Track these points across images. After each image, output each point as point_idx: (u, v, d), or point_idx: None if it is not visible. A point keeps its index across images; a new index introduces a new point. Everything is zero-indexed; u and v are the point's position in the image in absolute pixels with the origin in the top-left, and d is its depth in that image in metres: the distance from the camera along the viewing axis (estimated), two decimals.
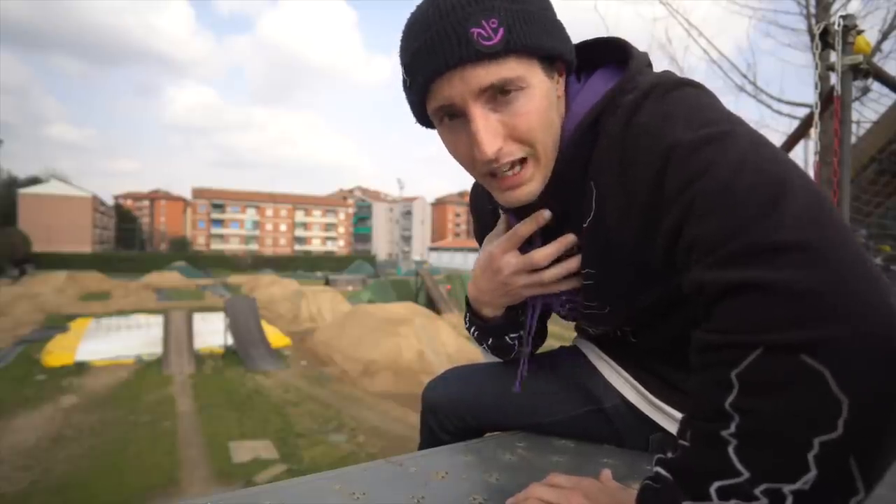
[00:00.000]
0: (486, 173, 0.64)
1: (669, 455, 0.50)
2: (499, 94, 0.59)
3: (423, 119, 0.68)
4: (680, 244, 0.52)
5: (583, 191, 0.67)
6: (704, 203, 0.49)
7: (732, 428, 0.42)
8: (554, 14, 0.63)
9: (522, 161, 0.63)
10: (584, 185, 0.66)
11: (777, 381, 0.41)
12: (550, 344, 1.02)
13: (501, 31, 0.57)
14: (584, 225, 0.68)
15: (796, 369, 0.40)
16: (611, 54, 0.70)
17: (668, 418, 0.83)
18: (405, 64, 0.63)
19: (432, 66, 0.58)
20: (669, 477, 0.48)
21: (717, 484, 0.43)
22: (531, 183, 0.65)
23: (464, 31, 0.56)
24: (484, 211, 0.88)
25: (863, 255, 0.42)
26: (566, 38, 0.65)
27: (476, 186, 0.88)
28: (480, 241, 0.94)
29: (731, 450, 0.42)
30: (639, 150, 0.57)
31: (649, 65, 0.67)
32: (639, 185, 0.58)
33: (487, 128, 0.59)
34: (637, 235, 0.60)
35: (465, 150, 0.64)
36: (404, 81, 0.65)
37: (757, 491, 0.41)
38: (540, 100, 0.61)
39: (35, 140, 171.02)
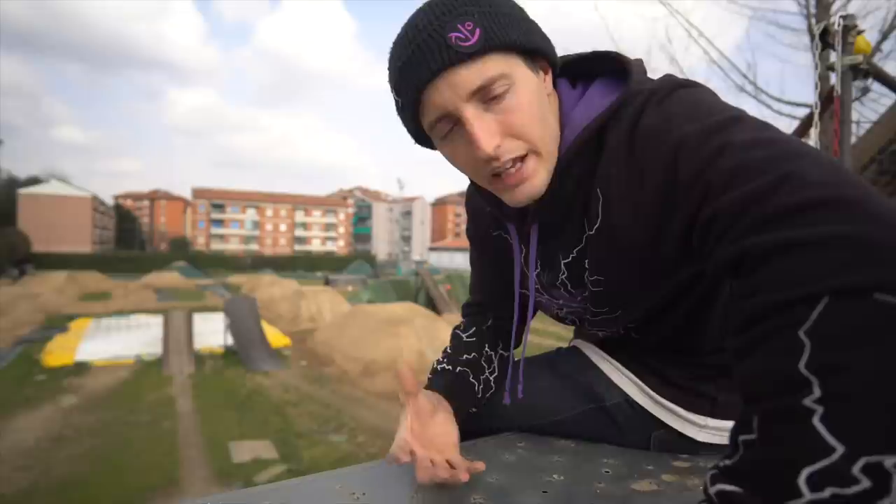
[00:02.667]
0: (490, 175, 0.65)
1: (726, 463, 0.42)
2: (488, 94, 0.60)
3: (421, 138, 0.69)
4: (699, 221, 0.52)
5: (585, 200, 0.68)
6: (723, 178, 0.49)
7: (816, 392, 0.37)
8: (528, 15, 0.65)
9: (523, 157, 0.63)
10: (586, 195, 0.67)
11: (855, 326, 0.37)
12: (550, 344, 1.02)
13: (478, 31, 0.58)
14: (591, 233, 0.68)
15: (873, 309, 0.36)
16: (607, 66, 0.71)
17: (671, 414, 0.83)
18: (394, 84, 0.64)
19: (418, 76, 0.60)
20: (737, 490, 0.40)
21: (806, 471, 0.36)
22: (536, 178, 0.65)
23: (442, 38, 0.58)
24: (481, 213, 0.88)
25: (891, 202, 0.42)
26: (544, 35, 0.66)
27: (472, 185, 0.88)
28: (472, 240, 0.95)
29: (816, 420, 0.36)
30: (646, 151, 0.59)
31: (645, 72, 0.68)
32: (649, 184, 0.59)
33: (483, 126, 0.60)
34: (650, 233, 0.61)
35: (465, 156, 0.64)
36: (396, 103, 0.66)
37: (855, 469, 0.34)
38: (529, 94, 0.62)
39: (41, 141, 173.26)
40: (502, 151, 0.62)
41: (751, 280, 0.43)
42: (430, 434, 0.74)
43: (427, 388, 0.85)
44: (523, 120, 0.61)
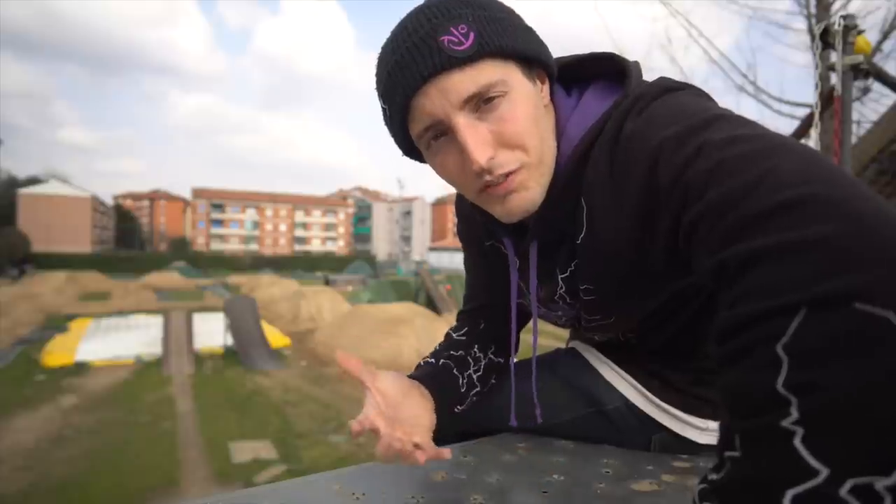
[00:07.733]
0: (480, 188, 0.61)
1: (713, 477, 0.40)
2: (482, 102, 0.57)
3: (409, 149, 0.65)
4: (682, 227, 0.49)
5: (574, 212, 0.66)
6: (701, 180, 0.47)
7: (794, 414, 0.34)
8: (525, 22, 0.62)
9: (517, 171, 0.60)
10: (575, 207, 0.65)
11: (834, 340, 0.33)
12: (547, 344, 1.02)
13: (472, 35, 0.55)
14: (577, 242, 0.66)
15: (854, 321, 0.33)
16: (603, 68, 0.68)
17: (671, 418, 0.83)
18: (381, 91, 0.61)
19: (407, 82, 0.56)
20: None
21: (791, 493, 0.33)
22: (529, 190, 0.62)
23: (434, 41, 0.55)
24: (472, 220, 0.85)
25: (874, 196, 0.38)
26: (541, 42, 0.63)
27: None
28: (465, 242, 0.92)
29: (797, 442, 0.33)
30: (627, 158, 0.57)
31: (641, 75, 0.65)
32: (630, 191, 0.57)
33: (476, 136, 0.57)
34: (634, 242, 0.59)
35: (455, 167, 0.61)
36: (384, 111, 0.62)
37: (843, 492, 0.32)
38: (525, 103, 0.59)
39: (43, 142, 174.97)
40: (495, 164, 0.58)
41: (732, 290, 0.40)
42: (400, 415, 0.69)
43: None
44: (519, 129, 0.58)
